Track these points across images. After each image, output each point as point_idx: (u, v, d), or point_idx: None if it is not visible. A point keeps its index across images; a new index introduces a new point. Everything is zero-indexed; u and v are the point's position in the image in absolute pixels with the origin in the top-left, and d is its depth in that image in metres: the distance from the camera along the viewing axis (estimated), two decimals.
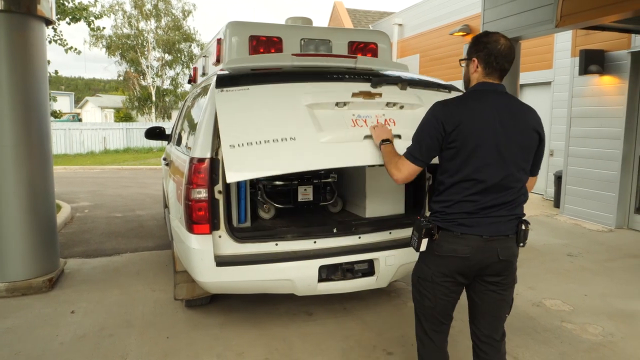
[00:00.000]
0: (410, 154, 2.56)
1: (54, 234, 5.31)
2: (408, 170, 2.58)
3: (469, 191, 2.42)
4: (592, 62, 7.56)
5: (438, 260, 2.51)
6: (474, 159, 2.40)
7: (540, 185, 10.19)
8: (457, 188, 2.45)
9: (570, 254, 6.20)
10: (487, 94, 2.51)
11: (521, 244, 2.54)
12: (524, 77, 8.49)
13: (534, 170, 2.67)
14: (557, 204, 8.87)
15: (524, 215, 2.54)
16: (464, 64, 2.66)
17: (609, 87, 7.56)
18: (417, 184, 4.41)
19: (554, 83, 9.70)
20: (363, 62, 4.27)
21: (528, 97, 10.52)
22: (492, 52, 2.51)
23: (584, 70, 7.60)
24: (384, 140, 2.96)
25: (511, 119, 2.46)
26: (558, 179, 8.82)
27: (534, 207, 9.11)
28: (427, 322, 2.68)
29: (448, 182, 2.48)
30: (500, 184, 2.42)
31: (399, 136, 3.19)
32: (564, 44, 9.14)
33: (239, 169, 2.94)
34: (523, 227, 2.51)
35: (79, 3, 10.52)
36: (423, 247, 2.52)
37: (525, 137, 2.50)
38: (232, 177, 2.93)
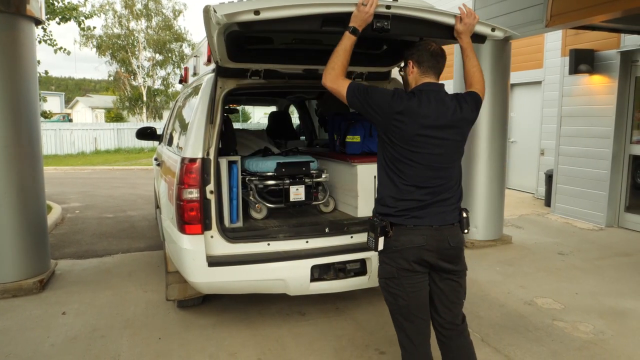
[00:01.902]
0: (353, 87, 2.68)
1: (45, 235, 5.27)
2: (339, 88, 2.72)
3: (414, 188, 2.59)
4: (582, 61, 7.62)
5: (397, 254, 2.61)
6: (416, 157, 2.58)
7: (531, 184, 10.25)
8: (404, 186, 2.61)
9: (561, 253, 6.24)
10: (428, 94, 2.67)
11: (465, 231, 2.75)
12: (515, 77, 8.51)
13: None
14: (548, 202, 8.92)
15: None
16: (402, 73, 2.90)
17: (599, 86, 7.61)
18: None
19: (544, 82, 9.75)
20: None
21: (518, 97, 10.58)
22: (424, 52, 2.75)
23: (574, 69, 7.65)
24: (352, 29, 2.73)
25: (446, 115, 2.64)
26: (549, 177, 8.87)
27: (525, 206, 9.16)
28: (407, 322, 2.69)
29: (396, 182, 2.62)
30: (440, 178, 2.62)
31: None
32: (554, 44, 9.19)
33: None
34: (464, 215, 2.73)
35: (68, 3, 10.47)
36: (381, 246, 2.62)
37: (458, 131, 2.68)
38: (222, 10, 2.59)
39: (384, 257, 2.67)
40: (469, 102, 2.78)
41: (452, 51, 6.86)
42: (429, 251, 2.59)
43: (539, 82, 9.92)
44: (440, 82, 2.78)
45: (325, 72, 2.77)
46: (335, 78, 2.75)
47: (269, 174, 4.46)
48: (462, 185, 2.78)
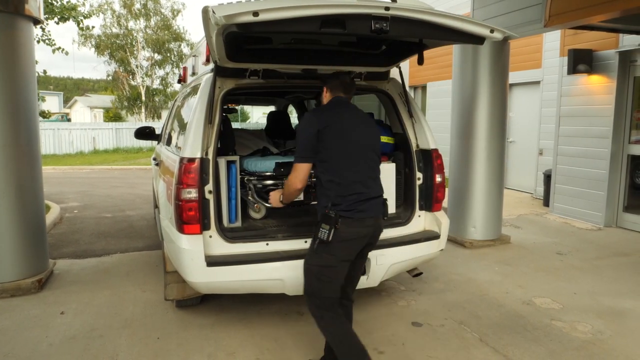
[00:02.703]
0: (303, 157, 3.07)
1: (43, 234, 5.27)
2: (298, 173, 3.07)
3: (355, 185, 3.00)
4: (581, 61, 7.62)
5: (342, 244, 2.94)
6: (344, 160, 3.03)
7: (530, 184, 10.26)
8: (347, 183, 3.00)
9: (559, 253, 6.25)
10: (339, 104, 3.20)
11: (385, 218, 3.21)
12: (513, 77, 8.53)
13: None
14: (546, 202, 8.93)
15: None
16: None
17: (597, 86, 7.62)
18: (407, 183, 4.42)
19: (542, 82, 9.76)
20: None
21: (517, 97, 10.59)
22: (335, 81, 3.28)
23: (573, 69, 7.66)
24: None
25: (362, 120, 3.19)
26: (547, 177, 8.88)
27: (524, 206, 9.17)
28: (328, 299, 3.05)
29: (337, 180, 3.00)
30: (372, 175, 3.11)
31: None
32: (552, 44, 9.20)
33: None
34: (386, 205, 3.21)
35: (67, 2, 10.45)
36: (331, 237, 2.89)
37: (374, 136, 3.26)
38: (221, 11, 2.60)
39: (327, 247, 2.94)
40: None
41: (450, 51, 6.89)
42: (366, 240, 3.05)
43: (538, 82, 9.92)
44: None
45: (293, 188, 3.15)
46: (298, 184, 3.10)
47: (267, 173, 4.46)
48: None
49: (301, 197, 4.47)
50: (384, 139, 4.51)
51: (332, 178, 3.00)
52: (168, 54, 32.77)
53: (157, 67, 33.20)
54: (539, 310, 4.45)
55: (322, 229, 2.90)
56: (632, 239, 6.92)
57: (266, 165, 4.47)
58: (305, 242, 3.80)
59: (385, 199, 3.21)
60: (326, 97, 3.29)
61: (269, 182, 4.48)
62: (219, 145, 3.79)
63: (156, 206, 5.48)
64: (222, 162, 3.90)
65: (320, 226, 2.93)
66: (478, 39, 3.26)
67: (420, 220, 4.36)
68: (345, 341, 3.05)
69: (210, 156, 3.64)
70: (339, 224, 2.89)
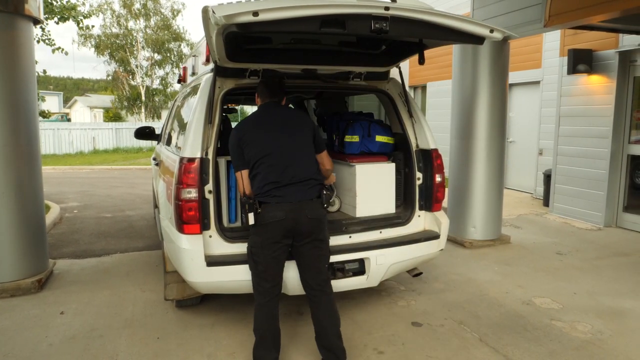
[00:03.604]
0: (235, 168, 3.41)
1: (43, 234, 5.27)
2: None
3: (274, 173, 3.25)
4: (581, 61, 7.62)
5: (265, 228, 3.21)
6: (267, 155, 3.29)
7: (530, 184, 10.26)
8: (264, 172, 3.26)
9: (559, 253, 6.25)
10: (266, 107, 3.49)
11: (325, 205, 3.40)
12: (513, 77, 8.54)
13: (318, 148, 3.53)
14: (546, 202, 8.93)
15: (322, 182, 3.47)
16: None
17: (597, 86, 7.62)
18: (407, 183, 4.42)
19: (542, 82, 9.76)
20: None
21: (517, 97, 10.59)
22: (262, 86, 3.55)
23: (573, 69, 7.66)
24: None
25: (285, 118, 3.46)
26: (547, 177, 8.88)
27: (524, 206, 9.17)
28: (261, 281, 3.31)
29: (257, 171, 3.30)
30: (292, 165, 3.30)
31: None
32: (552, 44, 9.20)
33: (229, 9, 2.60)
34: (324, 192, 3.39)
35: (67, 2, 10.45)
36: (252, 221, 3.20)
37: (298, 130, 3.43)
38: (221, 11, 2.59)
39: (255, 230, 3.26)
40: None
41: (450, 51, 6.89)
42: (288, 224, 3.23)
43: (538, 82, 9.92)
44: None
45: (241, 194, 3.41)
46: (243, 190, 3.39)
47: None
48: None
49: None
50: (384, 139, 4.51)
51: (252, 174, 3.31)
52: (168, 54, 32.77)
53: (157, 67, 33.22)
54: (539, 310, 4.45)
55: (243, 215, 3.27)
56: (632, 239, 6.92)
57: None
58: None
59: (321, 187, 3.40)
60: (257, 102, 3.58)
61: None
62: (218, 145, 3.79)
63: (156, 206, 5.47)
64: (222, 162, 3.91)
65: (242, 212, 3.32)
66: (478, 39, 3.26)
67: (420, 220, 4.36)
68: (260, 334, 3.33)
69: (210, 156, 3.64)
70: (260, 209, 3.21)
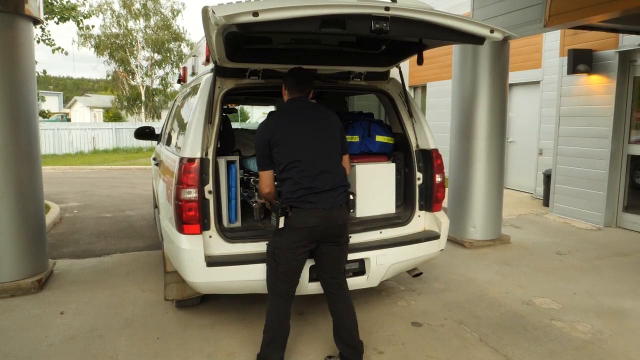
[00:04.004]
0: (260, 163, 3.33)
1: (43, 234, 5.26)
2: (264, 178, 3.33)
3: (307, 178, 3.18)
4: (581, 61, 7.62)
5: (293, 232, 3.17)
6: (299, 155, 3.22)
7: (530, 183, 10.26)
8: (297, 177, 3.19)
9: (559, 253, 6.25)
10: (295, 103, 3.37)
11: (351, 211, 3.50)
12: (513, 77, 8.54)
13: (343, 151, 3.48)
14: (546, 202, 8.93)
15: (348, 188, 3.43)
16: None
17: (597, 86, 7.62)
18: (407, 183, 4.42)
19: (542, 82, 9.76)
20: None
21: (517, 97, 10.59)
22: (290, 79, 3.38)
23: (573, 69, 7.66)
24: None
25: (315, 118, 3.34)
26: (547, 177, 8.88)
27: (524, 206, 9.17)
28: (279, 282, 3.30)
29: (289, 177, 3.21)
30: (325, 172, 3.24)
31: None
32: (552, 44, 9.20)
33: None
34: (350, 197, 3.42)
35: (67, 2, 10.44)
36: (281, 225, 3.14)
37: (329, 131, 3.36)
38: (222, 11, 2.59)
39: (281, 232, 3.20)
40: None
41: (450, 51, 6.89)
42: (319, 230, 3.22)
43: (538, 82, 9.92)
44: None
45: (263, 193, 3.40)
46: (264, 189, 3.37)
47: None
48: None
49: None
50: (384, 139, 4.51)
51: (282, 177, 3.25)
52: (168, 54, 32.76)
53: (156, 67, 33.20)
54: (539, 310, 4.45)
55: (273, 217, 3.19)
56: (631, 238, 6.93)
57: None
58: None
59: (349, 192, 3.40)
60: (284, 96, 3.44)
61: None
62: (218, 145, 3.79)
63: (156, 206, 5.47)
64: (222, 162, 3.90)
65: (271, 214, 3.22)
66: (478, 39, 3.26)
67: (420, 220, 4.36)
68: (271, 334, 3.33)
69: (210, 156, 3.64)
70: (291, 213, 3.16)
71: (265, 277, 3.67)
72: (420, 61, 3.73)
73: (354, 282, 3.91)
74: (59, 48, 10.54)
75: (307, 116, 3.33)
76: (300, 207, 3.16)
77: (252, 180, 4.45)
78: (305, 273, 3.67)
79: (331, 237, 3.30)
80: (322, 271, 3.44)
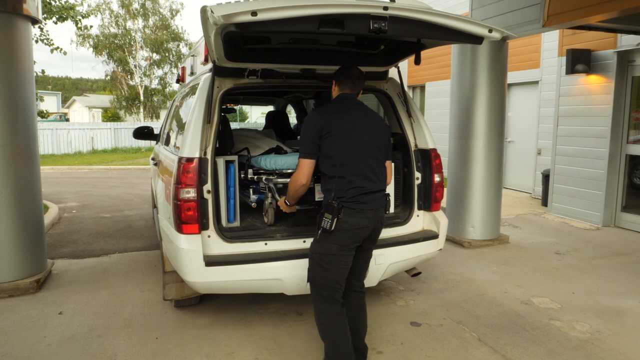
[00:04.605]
0: (307, 153, 3.15)
1: (41, 234, 5.26)
2: (303, 169, 3.16)
3: (360, 177, 3.09)
4: (579, 61, 7.63)
5: (344, 234, 3.05)
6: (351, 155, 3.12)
7: (528, 183, 10.27)
8: (350, 175, 3.09)
9: (558, 252, 6.25)
10: (348, 100, 3.26)
11: (387, 211, 3.43)
12: (512, 77, 8.54)
13: (389, 156, 3.39)
14: (544, 202, 8.93)
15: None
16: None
17: (596, 86, 7.63)
18: (406, 183, 4.42)
19: (541, 82, 9.77)
20: None
21: (516, 96, 10.60)
22: (343, 75, 3.29)
23: (571, 69, 7.66)
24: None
25: (366, 117, 3.23)
26: (546, 177, 8.88)
27: (522, 206, 9.18)
28: (329, 290, 3.14)
29: (338, 175, 3.08)
30: (374, 173, 3.18)
31: None
32: (551, 44, 9.21)
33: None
34: (388, 199, 3.39)
35: (65, 2, 10.43)
36: (334, 226, 3.01)
37: (380, 135, 3.26)
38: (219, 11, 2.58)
39: (328, 236, 3.05)
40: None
41: (449, 51, 6.89)
42: (368, 231, 3.15)
43: (536, 82, 9.93)
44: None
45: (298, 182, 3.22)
46: (303, 179, 3.20)
47: (289, 171, 4.17)
48: None
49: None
50: None
51: (332, 174, 3.10)
52: (166, 54, 32.73)
53: (155, 67, 33.17)
54: (538, 310, 4.46)
55: (325, 219, 3.01)
56: (630, 238, 6.93)
57: (288, 161, 4.23)
58: (304, 242, 3.81)
59: (387, 194, 3.35)
60: (334, 91, 3.32)
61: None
62: (217, 145, 3.79)
63: (155, 206, 5.47)
64: (221, 161, 3.90)
65: (324, 216, 3.03)
66: (476, 39, 3.26)
67: (419, 220, 4.36)
68: (333, 341, 3.17)
69: (208, 156, 3.64)
70: (342, 214, 3.01)
71: (262, 277, 3.68)
72: (417, 61, 3.73)
73: None
74: (58, 48, 10.53)
75: (358, 114, 3.23)
76: (353, 207, 3.05)
77: (264, 178, 4.26)
78: (304, 272, 3.67)
79: (372, 239, 3.26)
80: (350, 272, 3.26)
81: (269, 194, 4.22)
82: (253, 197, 4.40)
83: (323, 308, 3.17)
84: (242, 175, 4.32)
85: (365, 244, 3.23)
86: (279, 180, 4.20)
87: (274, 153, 4.69)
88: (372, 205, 3.13)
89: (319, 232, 3.07)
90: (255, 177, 4.30)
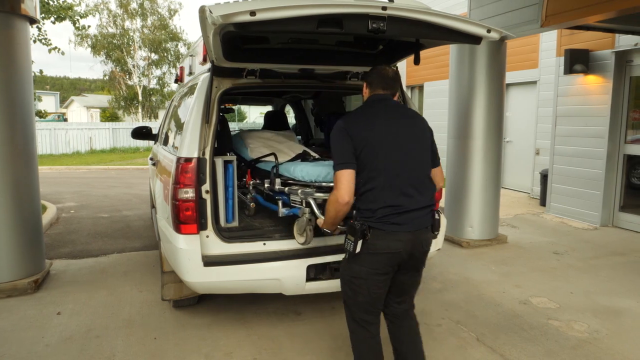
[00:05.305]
0: (343, 163, 2.70)
1: (40, 234, 5.25)
2: (342, 179, 2.68)
3: (392, 194, 2.68)
4: (577, 61, 7.64)
5: (372, 257, 2.69)
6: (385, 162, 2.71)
7: (527, 183, 10.28)
8: (379, 191, 2.68)
9: (556, 252, 6.26)
10: (381, 102, 2.89)
11: (435, 233, 2.85)
12: (510, 77, 8.54)
13: (435, 162, 2.97)
14: (543, 202, 8.94)
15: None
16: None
17: (594, 86, 7.64)
18: None
19: (539, 82, 9.78)
20: None
21: (514, 96, 10.61)
22: (375, 75, 2.94)
23: (569, 69, 7.67)
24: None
25: (403, 119, 2.86)
26: (544, 177, 8.89)
27: (520, 206, 9.19)
28: (361, 313, 2.84)
29: (369, 189, 2.68)
30: (415, 187, 2.75)
31: None
32: (549, 44, 9.22)
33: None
34: (436, 216, 2.85)
35: (63, 2, 10.42)
36: (358, 249, 2.66)
37: (420, 139, 2.87)
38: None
39: (357, 257, 2.70)
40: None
41: (447, 51, 6.89)
42: (402, 256, 2.73)
43: (534, 82, 9.94)
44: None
45: (340, 199, 2.71)
46: (345, 196, 2.69)
47: (331, 184, 3.27)
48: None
49: None
50: None
51: (364, 189, 2.70)
52: (165, 54, 32.72)
53: (154, 66, 33.15)
54: (536, 310, 4.46)
55: (348, 240, 2.69)
56: (628, 238, 6.95)
57: (332, 173, 3.26)
58: None
59: (435, 211, 2.87)
60: (365, 93, 2.99)
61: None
62: (215, 145, 3.79)
63: (153, 206, 5.47)
64: (219, 161, 3.90)
65: (346, 237, 2.71)
66: (475, 39, 3.26)
67: None
68: None
69: (207, 156, 3.63)
70: (369, 236, 2.65)
71: (261, 277, 3.67)
72: (417, 61, 3.73)
73: None
74: (56, 48, 10.52)
75: (392, 117, 2.83)
76: (382, 229, 2.65)
77: (300, 191, 3.70)
78: (302, 272, 3.67)
79: (412, 264, 2.82)
80: (391, 296, 2.94)
81: (307, 210, 3.64)
82: (283, 210, 3.92)
83: (354, 330, 2.91)
84: (267, 185, 4.07)
85: (404, 268, 2.82)
86: (320, 194, 3.58)
87: (300, 160, 4.30)
88: (408, 226, 2.68)
89: (346, 254, 2.74)
90: (287, 188, 3.85)
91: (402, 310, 2.99)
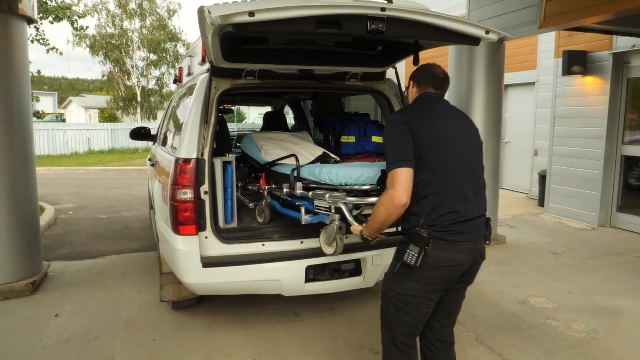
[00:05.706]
0: (401, 162, 2.41)
1: (38, 236, 5.24)
2: (400, 178, 2.38)
3: (456, 200, 2.45)
4: (575, 63, 7.66)
5: (433, 272, 2.43)
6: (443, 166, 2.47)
7: (525, 184, 10.29)
8: (442, 197, 2.43)
9: (554, 253, 6.27)
10: (434, 102, 2.68)
11: (488, 242, 2.64)
12: (509, 78, 8.56)
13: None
14: (541, 203, 8.96)
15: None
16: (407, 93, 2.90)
17: (592, 87, 7.66)
18: None
19: (538, 83, 9.80)
20: None
21: (513, 98, 10.63)
22: (424, 73, 2.76)
23: (568, 71, 7.69)
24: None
25: (457, 121, 2.65)
26: (542, 178, 8.91)
27: (519, 206, 9.20)
28: (402, 335, 2.61)
29: (430, 195, 2.43)
30: (474, 192, 2.55)
31: None
32: (547, 45, 9.24)
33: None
34: (490, 225, 2.65)
35: (61, 2, 10.41)
36: (418, 262, 2.38)
37: (475, 142, 2.67)
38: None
39: (410, 272, 2.44)
40: None
41: (446, 52, 6.90)
42: (463, 269, 2.52)
43: (533, 83, 9.96)
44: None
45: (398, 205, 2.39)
46: (403, 197, 2.37)
47: (365, 187, 3.24)
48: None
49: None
50: (380, 139, 4.51)
51: (425, 192, 2.43)
52: (164, 55, 32.67)
53: (152, 67, 33.11)
54: (535, 310, 4.47)
55: (410, 251, 2.38)
56: (625, 238, 6.96)
57: (366, 174, 3.24)
58: (302, 242, 3.81)
59: (489, 219, 2.66)
60: (412, 93, 2.79)
61: (373, 199, 3.15)
62: (214, 146, 3.78)
63: (152, 207, 5.46)
64: (218, 162, 3.90)
65: (408, 247, 2.41)
66: (474, 40, 3.26)
67: None
68: None
69: (206, 157, 3.63)
70: (430, 247, 2.38)
71: (260, 278, 3.67)
72: (416, 62, 3.73)
73: (350, 283, 3.92)
74: (54, 48, 10.51)
75: (455, 116, 2.65)
76: (446, 239, 2.40)
77: (328, 195, 3.37)
78: (302, 273, 3.67)
79: (468, 276, 2.60)
80: (434, 320, 2.68)
81: (337, 217, 3.35)
82: (307, 218, 3.66)
83: (394, 356, 2.65)
84: (287, 190, 3.75)
85: (459, 283, 2.59)
86: (353, 199, 3.25)
87: (320, 162, 3.95)
88: (470, 235, 2.47)
89: (399, 265, 2.45)
90: (311, 193, 3.52)
91: (447, 334, 2.74)
